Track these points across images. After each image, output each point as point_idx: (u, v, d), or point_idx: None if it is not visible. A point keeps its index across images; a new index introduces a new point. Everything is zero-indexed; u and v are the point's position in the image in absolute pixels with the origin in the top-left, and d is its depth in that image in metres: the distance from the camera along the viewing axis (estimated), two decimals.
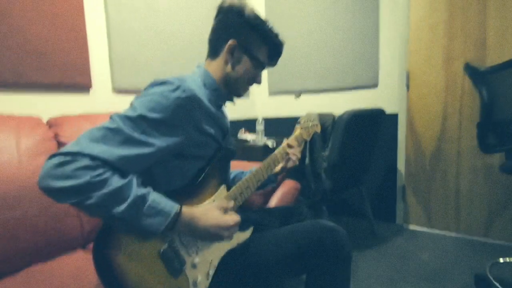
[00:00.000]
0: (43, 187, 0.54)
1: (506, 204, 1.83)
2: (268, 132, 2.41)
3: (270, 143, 2.11)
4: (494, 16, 1.77)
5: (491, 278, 1.38)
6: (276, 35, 0.82)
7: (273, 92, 2.63)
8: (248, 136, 2.31)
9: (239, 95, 0.87)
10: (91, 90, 1.51)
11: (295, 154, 0.97)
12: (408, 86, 2.09)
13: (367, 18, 2.14)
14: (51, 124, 1.20)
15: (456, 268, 1.58)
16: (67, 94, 1.41)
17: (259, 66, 0.83)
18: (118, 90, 1.63)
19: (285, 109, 2.62)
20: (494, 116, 1.24)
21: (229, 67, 0.81)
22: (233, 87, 0.84)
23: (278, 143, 2.13)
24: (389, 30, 2.09)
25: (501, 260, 1.59)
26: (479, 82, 1.30)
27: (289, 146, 0.97)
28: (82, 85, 1.44)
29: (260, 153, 2.09)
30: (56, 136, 1.15)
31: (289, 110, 2.60)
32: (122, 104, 1.64)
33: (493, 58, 1.80)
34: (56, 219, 1.00)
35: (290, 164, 0.99)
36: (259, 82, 0.87)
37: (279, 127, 2.63)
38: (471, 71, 1.34)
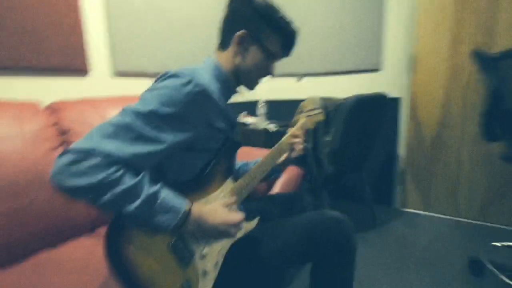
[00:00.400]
0: (56, 185, 0.54)
1: (504, 190, 1.86)
2: (269, 116, 2.39)
3: (270, 127, 2.10)
4: (507, 1, 1.71)
5: (485, 262, 1.43)
6: (289, 24, 0.78)
7: (275, 74, 2.57)
8: (249, 119, 2.29)
9: (251, 87, 0.84)
10: (90, 73, 1.46)
11: (300, 144, 0.96)
12: (412, 71, 2.05)
13: None
14: (50, 109, 1.17)
15: (452, 251, 1.63)
16: (64, 77, 1.37)
17: (271, 57, 0.79)
18: (119, 73, 1.59)
19: (287, 92, 2.58)
20: (501, 104, 1.22)
21: (239, 59, 0.78)
22: (245, 79, 0.81)
23: (280, 128, 2.12)
24: (396, 12, 2.03)
25: (496, 243, 1.64)
26: (488, 68, 1.27)
27: (294, 136, 0.96)
28: (79, 68, 1.40)
29: (261, 137, 2.08)
30: (57, 121, 1.13)
31: (291, 93, 2.56)
32: (123, 87, 1.61)
33: (502, 45, 1.75)
34: (64, 205, 1.00)
35: (294, 154, 0.98)
36: (272, 73, 0.83)
37: (281, 110, 2.60)
38: (479, 56, 1.30)
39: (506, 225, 1.89)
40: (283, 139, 0.96)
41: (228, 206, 0.73)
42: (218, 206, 0.71)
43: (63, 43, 1.32)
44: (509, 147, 1.29)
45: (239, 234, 0.81)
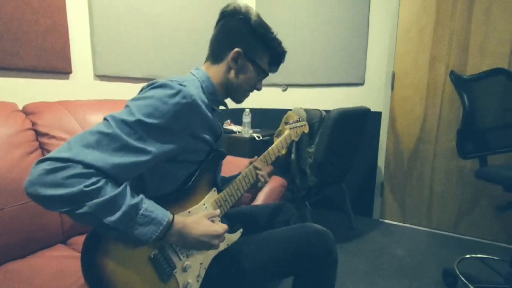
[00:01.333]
0: (31, 194, 0.51)
1: (475, 203, 1.96)
2: (253, 124, 2.40)
3: (256, 135, 2.10)
4: (478, 23, 1.83)
5: (458, 273, 1.49)
6: (279, 44, 0.82)
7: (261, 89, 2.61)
8: (234, 128, 2.29)
9: (239, 101, 0.86)
10: (71, 76, 1.42)
11: (263, 175, 0.91)
12: (392, 87, 2.14)
13: (357, 16, 2.15)
14: (27, 111, 1.12)
15: (427, 262, 1.68)
16: (44, 79, 1.32)
17: (262, 74, 0.83)
18: (100, 76, 1.54)
19: (272, 101, 2.61)
20: (474, 123, 1.30)
21: (232, 74, 0.79)
22: (234, 93, 0.83)
23: (264, 136, 2.13)
24: (379, 29, 2.11)
25: (468, 255, 1.71)
26: (462, 89, 1.34)
27: (256, 168, 0.91)
28: (61, 70, 1.35)
29: (246, 145, 2.08)
30: (34, 124, 1.08)
31: (276, 103, 2.59)
32: (104, 90, 1.57)
33: (474, 65, 1.87)
34: (36, 215, 0.95)
35: (259, 186, 0.93)
36: (259, 89, 0.86)
37: (265, 118, 2.63)
38: (455, 78, 1.38)
39: (477, 238, 1.97)
40: (268, 150, 0.96)
41: (211, 217, 0.72)
42: (201, 217, 0.70)
43: (42, 44, 1.27)
44: (482, 165, 1.37)
45: (222, 246, 0.80)
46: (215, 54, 0.80)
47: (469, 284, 1.43)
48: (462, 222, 2.01)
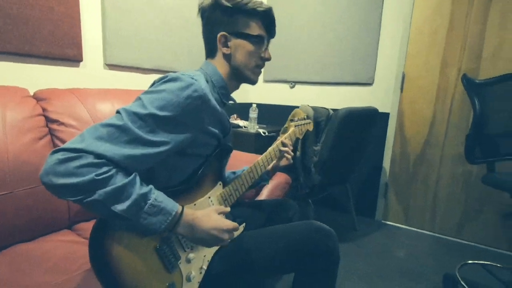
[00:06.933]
0: (46, 183, 0.52)
1: (480, 210, 1.94)
2: (259, 119, 2.40)
3: (262, 131, 2.10)
4: (493, 28, 1.79)
5: (459, 279, 1.48)
6: (258, 5, 0.77)
7: (268, 79, 2.60)
8: (240, 123, 2.29)
9: (253, 81, 0.83)
10: (82, 64, 1.43)
11: (289, 153, 0.97)
12: (402, 88, 2.11)
13: (370, 15, 2.12)
14: (38, 97, 1.13)
15: (428, 266, 1.67)
16: (55, 66, 1.33)
17: (259, 41, 0.79)
18: (110, 65, 1.55)
19: (279, 98, 2.60)
20: (484, 128, 1.28)
21: (231, 59, 0.79)
22: (244, 75, 0.81)
23: (270, 132, 2.13)
24: (391, 29, 2.09)
25: (470, 261, 1.70)
26: (474, 93, 1.32)
27: (283, 144, 0.97)
28: (72, 57, 1.36)
29: (252, 140, 2.08)
30: (44, 110, 1.10)
31: (283, 99, 2.58)
32: (113, 80, 1.58)
33: (487, 70, 1.84)
34: (44, 199, 0.97)
35: (283, 163, 1.00)
36: (268, 57, 0.82)
37: (271, 114, 2.62)
38: (467, 82, 1.36)
39: (479, 244, 1.96)
40: (272, 146, 0.96)
41: (221, 212, 0.73)
42: (211, 211, 0.70)
43: (54, 30, 1.28)
44: (489, 171, 1.35)
45: None
46: (208, 49, 0.82)
47: None
48: (466, 228, 2.00)
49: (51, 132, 1.08)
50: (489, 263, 1.68)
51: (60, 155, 0.52)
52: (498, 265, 1.66)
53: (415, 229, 2.17)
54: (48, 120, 1.09)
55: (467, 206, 1.98)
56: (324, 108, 2.00)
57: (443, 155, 2.02)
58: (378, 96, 2.19)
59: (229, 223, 0.69)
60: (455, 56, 1.92)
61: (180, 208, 0.64)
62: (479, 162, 1.30)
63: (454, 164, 1.99)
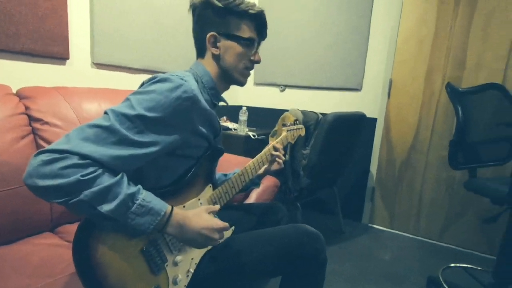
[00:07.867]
0: (30, 185, 0.50)
1: (462, 214, 2.00)
2: (249, 122, 2.40)
3: (252, 134, 2.11)
4: (475, 40, 1.86)
5: (442, 281, 1.52)
6: (251, 6, 0.76)
7: (259, 82, 2.61)
8: (230, 125, 2.29)
9: (242, 82, 0.83)
10: (68, 62, 1.39)
11: (280, 157, 0.98)
12: (389, 94, 2.16)
13: (359, 23, 2.16)
14: (21, 94, 1.10)
15: (412, 269, 1.71)
16: (40, 63, 1.30)
17: (249, 44, 0.78)
18: (98, 64, 1.52)
19: (269, 101, 2.61)
20: (467, 135, 1.32)
21: (220, 60, 0.78)
22: (232, 77, 0.81)
23: (259, 135, 2.13)
24: (379, 37, 2.13)
25: (453, 264, 1.75)
26: (457, 101, 1.37)
27: (275, 148, 0.97)
28: (58, 55, 1.33)
29: (241, 143, 2.08)
30: (27, 109, 1.06)
31: (273, 102, 2.60)
32: (101, 79, 1.55)
33: (469, 79, 1.90)
34: (25, 201, 0.93)
35: (274, 167, 0.99)
36: (257, 60, 0.81)
37: (261, 117, 2.63)
38: (450, 90, 1.40)
39: (461, 247, 2.01)
40: (264, 150, 0.96)
41: (211, 211, 0.72)
42: (201, 211, 0.69)
43: (39, 27, 1.24)
44: (471, 176, 1.40)
45: None
46: (198, 48, 0.81)
47: None
48: (448, 232, 2.05)
49: (34, 132, 1.04)
50: (470, 266, 1.73)
51: (44, 157, 0.50)
52: (479, 268, 1.71)
53: (400, 233, 2.21)
54: (31, 119, 1.05)
55: (450, 211, 2.03)
56: (313, 112, 2.02)
57: (427, 161, 2.08)
58: (366, 101, 2.23)
59: (220, 223, 0.69)
60: (440, 65, 1.98)
61: (169, 208, 0.63)
62: (461, 168, 1.34)
63: (438, 169, 2.05)
